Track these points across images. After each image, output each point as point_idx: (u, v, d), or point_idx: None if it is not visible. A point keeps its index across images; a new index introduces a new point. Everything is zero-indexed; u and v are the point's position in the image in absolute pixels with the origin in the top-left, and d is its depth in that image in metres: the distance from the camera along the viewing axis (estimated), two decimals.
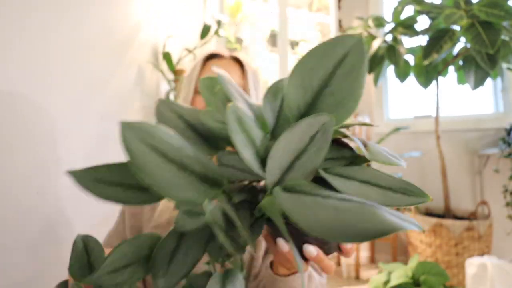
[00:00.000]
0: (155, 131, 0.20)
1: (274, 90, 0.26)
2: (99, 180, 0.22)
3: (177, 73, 1.44)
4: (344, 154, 0.25)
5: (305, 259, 0.32)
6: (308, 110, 0.23)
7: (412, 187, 0.23)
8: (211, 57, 0.69)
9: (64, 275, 0.88)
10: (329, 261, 0.33)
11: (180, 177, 0.19)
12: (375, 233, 0.16)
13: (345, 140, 0.26)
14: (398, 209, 2.18)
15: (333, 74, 0.22)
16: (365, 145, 0.25)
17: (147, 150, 0.19)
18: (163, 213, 0.62)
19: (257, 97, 0.68)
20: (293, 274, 0.48)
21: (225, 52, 0.69)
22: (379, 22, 1.87)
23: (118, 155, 1.15)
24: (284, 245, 0.30)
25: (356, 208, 0.16)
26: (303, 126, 0.21)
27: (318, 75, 0.22)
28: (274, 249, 0.35)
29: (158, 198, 0.22)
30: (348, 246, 0.33)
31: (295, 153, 0.21)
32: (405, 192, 0.22)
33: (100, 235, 1.03)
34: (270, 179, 0.20)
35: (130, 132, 0.19)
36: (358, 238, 0.16)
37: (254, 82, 0.67)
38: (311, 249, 0.30)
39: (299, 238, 0.29)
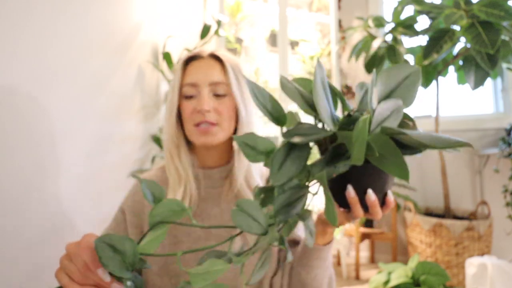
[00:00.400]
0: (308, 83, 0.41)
1: (361, 85, 0.43)
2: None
3: None
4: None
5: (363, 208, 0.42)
6: (385, 98, 0.38)
7: (454, 140, 0.34)
8: (191, 59, 0.69)
9: None
10: (380, 209, 0.43)
11: (326, 103, 0.36)
12: (450, 144, 0.31)
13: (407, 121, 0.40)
14: (398, 209, 2.16)
15: (401, 83, 0.39)
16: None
17: (322, 87, 0.36)
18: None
19: (239, 89, 0.68)
20: (328, 244, 0.60)
21: (203, 52, 0.69)
22: (379, 22, 1.87)
23: (118, 155, 1.15)
24: (351, 191, 0.40)
25: (438, 136, 0.33)
26: (389, 103, 0.36)
27: (395, 81, 0.39)
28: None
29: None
30: (390, 199, 0.44)
31: (383, 117, 0.35)
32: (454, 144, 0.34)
33: None
34: (373, 126, 0.34)
35: (285, 82, 0.40)
36: (443, 145, 0.32)
37: (235, 76, 0.68)
38: (372, 195, 0.41)
39: (361, 189, 0.40)
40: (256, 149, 0.36)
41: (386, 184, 0.42)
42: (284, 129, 0.37)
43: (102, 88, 1.07)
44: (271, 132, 2.38)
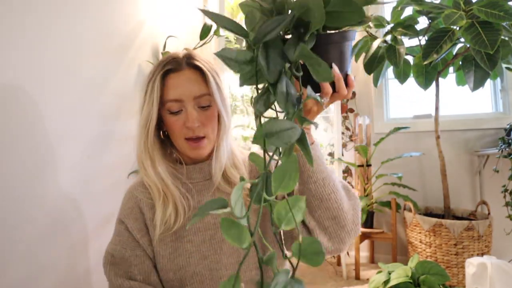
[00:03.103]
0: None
1: None
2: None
3: None
4: None
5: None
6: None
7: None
8: (168, 71, 0.68)
9: (62, 276, 0.88)
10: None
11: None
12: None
13: None
14: (398, 209, 2.15)
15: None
16: None
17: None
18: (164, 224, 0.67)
19: (221, 96, 0.69)
20: (312, 144, 0.60)
21: (179, 62, 0.68)
22: (379, 22, 1.87)
23: (119, 155, 1.15)
24: (336, 68, 0.47)
25: None
26: None
27: None
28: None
29: None
30: (351, 79, 0.50)
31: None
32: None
33: (101, 236, 1.03)
34: None
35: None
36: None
37: (216, 84, 0.69)
38: (336, 68, 0.47)
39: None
40: (237, 60, 0.38)
41: (347, 65, 0.48)
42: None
43: (102, 88, 1.07)
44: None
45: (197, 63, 0.69)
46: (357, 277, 2.01)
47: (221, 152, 0.71)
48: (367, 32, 1.99)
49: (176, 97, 0.67)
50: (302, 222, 0.62)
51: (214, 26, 1.51)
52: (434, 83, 1.86)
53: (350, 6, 0.37)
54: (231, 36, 2.26)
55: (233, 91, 2.40)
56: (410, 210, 1.95)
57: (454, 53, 1.81)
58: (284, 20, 0.37)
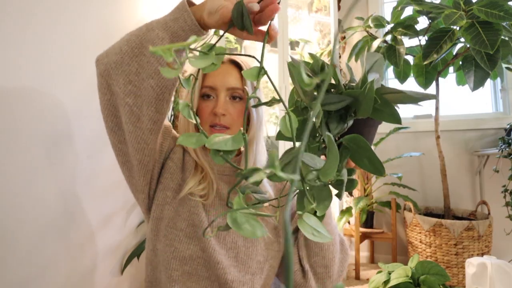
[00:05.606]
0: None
1: (348, 66, 0.58)
2: None
3: None
4: None
5: None
6: (367, 73, 0.50)
7: (421, 94, 0.46)
8: None
9: (63, 276, 0.88)
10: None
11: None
12: (417, 98, 0.44)
13: None
14: (398, 209, 2.14)
15: (374, 64, 0.51)
16: None
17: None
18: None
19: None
20: None
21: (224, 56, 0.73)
22: (379, 22, 1.87)
23: None
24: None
25: (410, 93, 0.45)
26: (372, 74, 0.48)
27: (371, 62, 0.51)
28: None
29: None
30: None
31: (371, 65, 0.50)
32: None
33: (102, 237, 1.03)
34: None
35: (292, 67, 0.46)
36: (412, 101, 0.45)
37: (251, 84, 0.73)
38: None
39: None
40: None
41: (372, 142, 0.57)
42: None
43: None
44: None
45: (237, 60, 0.74)
46: (357, 277, 2.01)
47: (252, 151, 0.73)
48: (367, 32, 1.99)
49: (211, 84, 0.71)
50: (299, 262, 0.71)
51: None
52: (434, 83, 1.86)
53: (391, 109, 0.44)
54: (231, 36, 2.26)
55: None
56: (410, 210, 1.95)
57: (454, 53, 1.81)
58: (345, 101, 0.44)
